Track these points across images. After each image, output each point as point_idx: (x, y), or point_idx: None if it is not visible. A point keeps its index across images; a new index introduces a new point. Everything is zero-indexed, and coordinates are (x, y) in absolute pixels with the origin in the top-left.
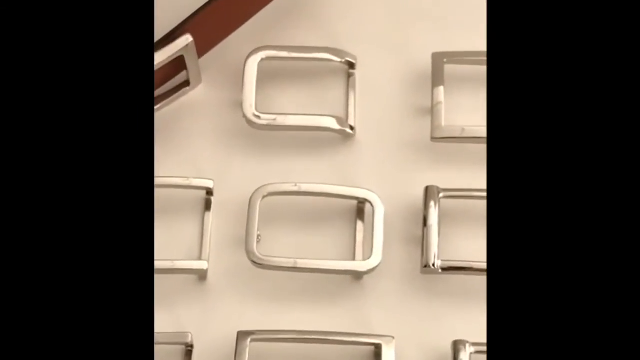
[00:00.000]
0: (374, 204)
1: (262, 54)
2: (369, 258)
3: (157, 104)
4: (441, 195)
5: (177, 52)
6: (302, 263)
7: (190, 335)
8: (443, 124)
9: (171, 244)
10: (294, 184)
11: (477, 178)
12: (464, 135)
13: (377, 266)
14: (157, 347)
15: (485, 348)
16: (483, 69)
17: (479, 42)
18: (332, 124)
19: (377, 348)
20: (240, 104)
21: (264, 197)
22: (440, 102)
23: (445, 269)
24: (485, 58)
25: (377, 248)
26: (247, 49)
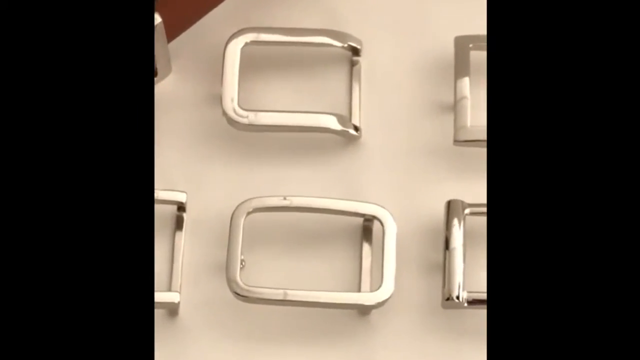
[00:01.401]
0: (383, 222)
1: (246, 38)
2: (377, 289)
3: None
4: (467, 211)
5: None
6: (294, 295)
7: None
8: (468, 123)
9: None
10: (284, 198)
11: None
12: None
13: (388, 299)
14: None
15: None
16: None
17: None
18: (332, 123)
19: None
20: (219, 99)
21: (248, 213)
22: (464, 97)
23: (472, 302)
24: None
25: (388, 277)
26: (228, 32)
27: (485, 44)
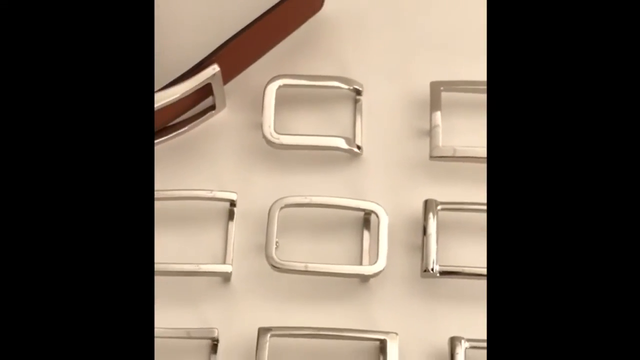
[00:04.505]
0: (379, 215)
1: (280, 82)
2: (374, 263)
3: (186, 126)
4: (439, 207)
5: (205, 80)
6: (313, 267)
7: (216, 331)
8: (440, 144)
9: (198, 249)
10: (307, 197)
11: (470, 192)
12: (457, 154)
13: (381, 270)
14: (186, 342)
15: (479, 344)
16: (475, 96)
17: (473, 72)
18: (341, 143)
19: (382, 343)
20: (260, 126)
21: (281, 208)
22: (437, 125)
23: (443, 273)
24: (478, 86)
25: (382, 254)
26: (267, 77)
27: (453, 87)
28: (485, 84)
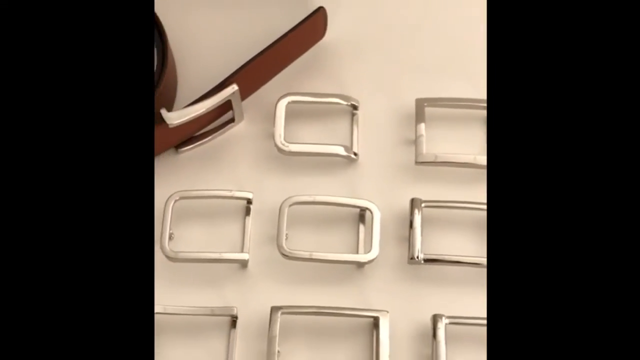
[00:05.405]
0: (372, 211)
1: (289, 98)
2: (368, 252)
3: (210, 135)
4: (423, 205)
5: (226, 97)
6: (317, 255)
7: (235, 309)
8: (424, 151)
9: (220, 240)
10: (311, 196)
11: (449, 192)
12: (438, 160)
13: (374, 258)
14: (210, 318)
15: (457, 320)
16: (454, 110)
17: (452, 90)
18: (340, 151)
19: (375, 320)
20: (272, 136)
21: (290, 205)
22: (422, 135)
23: (427, 261)
24: (456, 102)
25: (375, 244)
26: (278, 95)
27: (435, 103)
28: (462, 100)
